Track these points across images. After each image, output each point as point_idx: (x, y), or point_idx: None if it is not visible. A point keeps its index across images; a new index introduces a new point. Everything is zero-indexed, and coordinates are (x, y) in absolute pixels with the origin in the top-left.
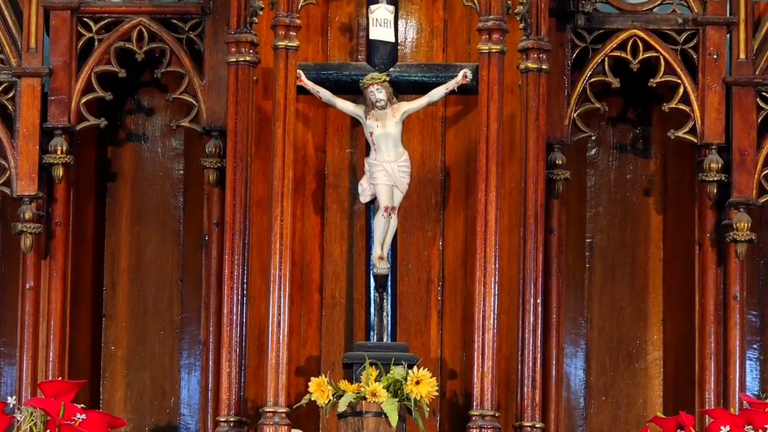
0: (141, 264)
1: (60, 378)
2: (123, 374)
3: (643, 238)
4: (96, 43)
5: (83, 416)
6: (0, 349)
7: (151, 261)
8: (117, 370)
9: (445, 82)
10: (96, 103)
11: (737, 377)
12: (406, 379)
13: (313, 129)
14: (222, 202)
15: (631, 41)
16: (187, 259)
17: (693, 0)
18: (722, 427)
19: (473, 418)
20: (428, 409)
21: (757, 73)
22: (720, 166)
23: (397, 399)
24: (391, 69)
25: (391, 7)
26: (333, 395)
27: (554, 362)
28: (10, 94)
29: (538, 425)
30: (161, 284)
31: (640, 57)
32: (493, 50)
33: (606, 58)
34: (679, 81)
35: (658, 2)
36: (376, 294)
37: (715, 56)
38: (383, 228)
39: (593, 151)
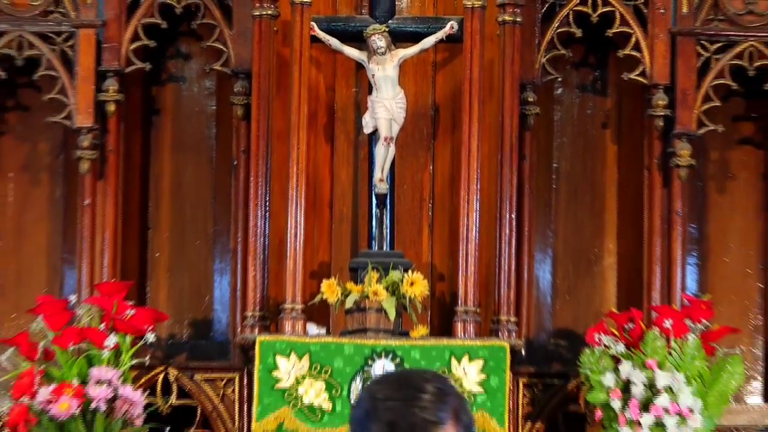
0: (180, 185)
1: (113, 280)
2: (165, 277)
3: (600, 164)
4: (142, 0)
5: (132, 312)
6: (64, 256)
7: (188, 183)
8: (160, 273)
9: (435, 33)
10: (142, 50)
11: (679, 280)
12: (402, 281)
13: (324, 72)
14: (248, 133)
15: None
16: (218, 182)
17: None
18: (666, 321)
19: (458, 314)
20: (421, 306)
21: (697, 24)
22: (666, 103)
23: (395, 297)
24: (390, 21)
25: None
26: (341, 294)
27: (526, 267)
28: (70, 42)
29: (512, 319)
30: (197, 202)
31: (599, 11)
32: (476, 5)
33: (570, 12)
34: (632, 32)
35: None
36: (377, 210)
37: (662, 11)
38: (383, 155)
39: (559, 91)
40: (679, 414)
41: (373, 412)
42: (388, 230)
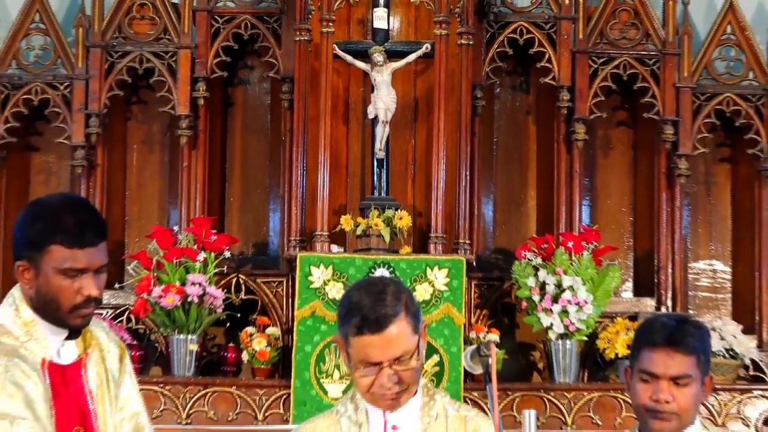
0: (247, 153)
1: (202, 216)
2: (237, 214)
3: (525, 139)
4: (221, 30)
5: (215, 237)
6: (170, 200)
7: (252, 152)
8: (234, 212)
9: (415, 52)
10: (221, 63)
11: (577, 215)
12: (394, 217)
13: (342, 78)
14: (292, 118)
15: (519, 29)
16: (272, 151)
17: (554, 4)
18: (569, 242)
19: (431, 238)
20: (406, 233)
21: (589, 46)
22: (569, 98)
23: (389, 227)
24: (386, 44)
25: (385, 9)
26: (353, 225)
27: (476, 207)
28: (174, 58)
29: (467, 242)
30: (258, 164)
31: (524, 37)
32: (443, 33)
33: (505, 38)
34: (546, 51)
35: (535, 6)
36: (377, 170)
37: (566, 37)
38: (381, 133)
39: (498, 90)
40: (578, 304)
41: (350, 310)
42: (385, 183)
